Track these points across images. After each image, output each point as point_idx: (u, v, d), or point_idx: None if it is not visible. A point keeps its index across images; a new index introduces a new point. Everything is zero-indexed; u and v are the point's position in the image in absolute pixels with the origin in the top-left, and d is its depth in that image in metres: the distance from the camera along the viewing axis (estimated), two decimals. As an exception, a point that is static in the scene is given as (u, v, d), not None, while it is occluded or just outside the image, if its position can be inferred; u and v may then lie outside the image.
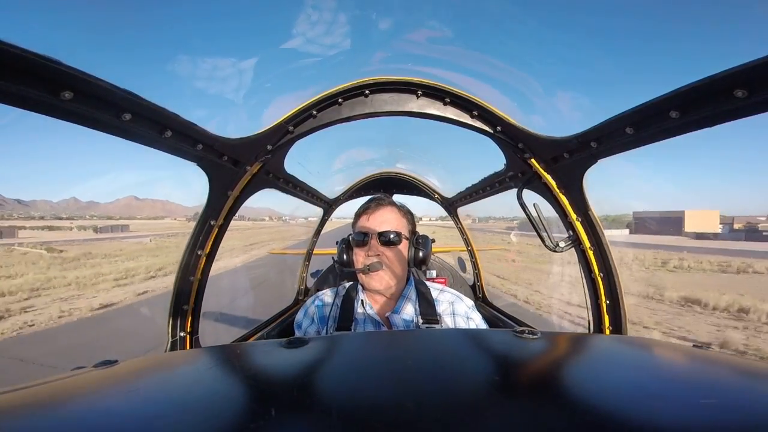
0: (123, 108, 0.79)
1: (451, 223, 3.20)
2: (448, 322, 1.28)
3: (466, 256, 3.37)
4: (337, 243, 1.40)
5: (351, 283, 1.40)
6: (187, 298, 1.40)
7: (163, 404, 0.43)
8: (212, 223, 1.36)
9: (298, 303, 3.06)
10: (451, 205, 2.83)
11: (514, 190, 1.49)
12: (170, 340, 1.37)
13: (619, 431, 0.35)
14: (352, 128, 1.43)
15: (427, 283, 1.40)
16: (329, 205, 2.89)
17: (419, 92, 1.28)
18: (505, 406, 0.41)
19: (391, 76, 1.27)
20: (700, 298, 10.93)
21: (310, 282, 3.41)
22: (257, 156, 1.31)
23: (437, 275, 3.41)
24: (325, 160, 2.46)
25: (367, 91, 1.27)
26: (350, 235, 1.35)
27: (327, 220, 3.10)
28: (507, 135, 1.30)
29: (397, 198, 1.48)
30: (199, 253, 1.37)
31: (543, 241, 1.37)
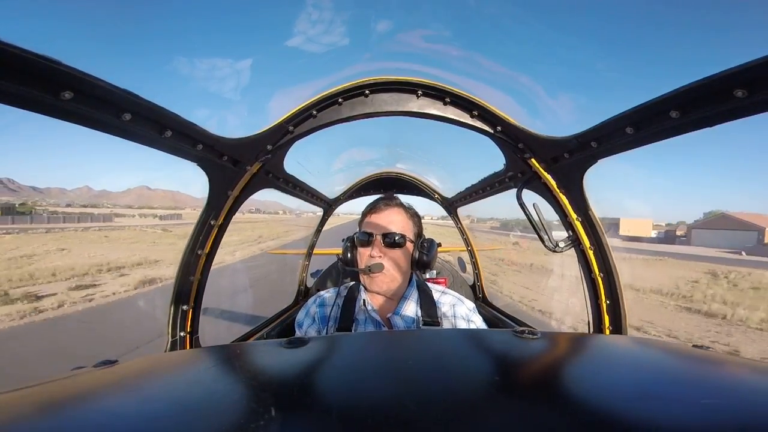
0: (123, 108, 0.79)
1: (452, 222, 3.20)
2: (448, 324, 1.28)
3: (466, 256, 3.37)
4: (342, 240, 1.40)
5: (353, 282, 1.40)
6: (187, 298, 1.40)
7: (163, 404, 0.43)
8: (212, 222, 1.36)
9: (298, 303, 3.06)
10: (451, 205, 2.83)
11: (513, 190, 1.49)
12: (170, 339, 1.37)
13: (619, 431, 0.35)
14: (352, 128, 1.42)
15: (429, 284, 1.39)
16: (329, 205, 2.89)
17: (419, 92, 1.28)
18: (506, 406, 0.41)
19: (391, 76, 1.27)
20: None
21: (310, 282, 3.40)
22: (257, 156, 1.31)
23: (438, 275, 3.41)
24: (325, 160, 2.47)
25: (367, 91, 1.27)
26: (356, 233, 1.34)
27: (327, 219, 3.10)
28: (507, 135, 1.30)
29: (398, 198, 1.47)
30: (199, 252, 1.37)
31: (543, 241, 1.37)
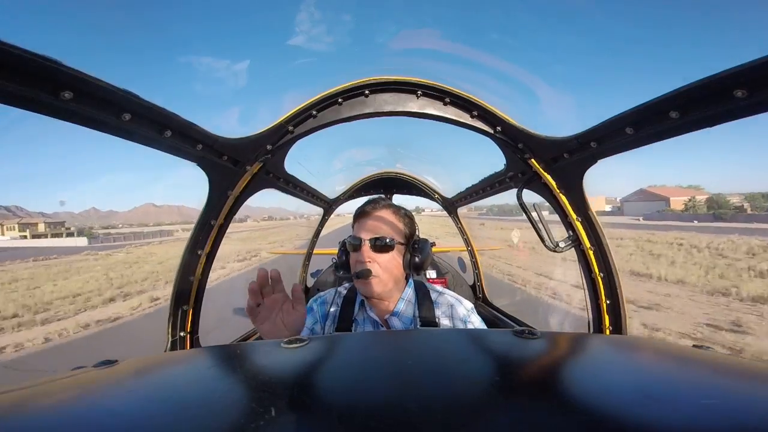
0: (123, 108, 0.79)
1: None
2: (446, 324, 1.28)
3: (466, 256, 3.37)
4: (339, 243, 1.40)
5: (352, 283, 1.40)
6: (187, 298, 1.40)
7: (163, 404, 0.43)
8: (212, 223, 1.36)
9: None
10: (451, 206, 2.83)
11: (514, 190, 1.49)
12: (170, 339, 1.37)
13: (619, 431, 0.35)
14: (352, 128, 1.43)
15: (427, 285, 1.39)
16: (329, 205, 2.89)
17: (419, 92, 1.28)
18: (505, 407, 0.41)
19: (391, 76, 1.27)
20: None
21: (310, 282, 3.40)
22: (257, 156, 1.31)
23: (437, 275, 3.41)
24: (325, 160, 2.47)
25: (367, 91, 1.27)
26: (348, 237, 1.34)
27: (327, 220, 3.11)
28: (507, 135, 1.30)
29: (397, 198, 1.47)
30: (199, 252, 1.37)
31: (543, 241, 1.37)
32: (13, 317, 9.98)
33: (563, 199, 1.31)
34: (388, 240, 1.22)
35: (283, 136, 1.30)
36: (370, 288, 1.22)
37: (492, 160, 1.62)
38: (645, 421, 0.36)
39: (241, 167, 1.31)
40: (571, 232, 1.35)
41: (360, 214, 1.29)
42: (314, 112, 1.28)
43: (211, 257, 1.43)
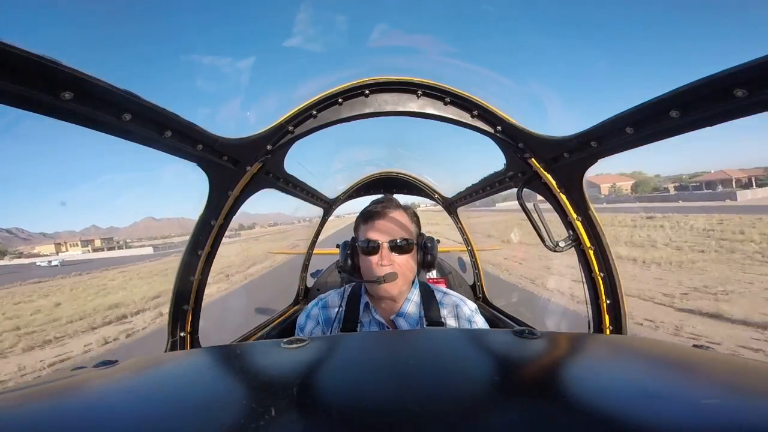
0: (123, 108, 0.79)
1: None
2: (452, 324, 1.28)
3: (466, 256, 3.37)
4: (338, 246, 1.37)
5: (354, 284, 1.38)
6: (187, 298, 1.40)
7: (162, 404, 0.43)
8: (212, 223, 1.36)
9: (298, 303, 3.06)
10: (451, 205, 2.83)
11: (514, 190, 1.49)
12: (170, 339, 1.37)
13: (619, 431, 0.35)
14: (352, 128, 1.43)
15: (431, 285, 1.39)
16: (329, 205, 2.89)
17: (419, 92, 1.28)
18: (506, 406, 0.41)
19: (391, 76, 1.27)
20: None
21: (310, 282, 3.40)
22: (257, 156, 1.31)
23: (438, 275, 3.41)
24: (325, 160, 2.47)
25: (367, 91, 1.27)
26: (354, 239, 1.30)
27: (327, 220, 3.10)
28: (507, 135, 1.30)
29: (397, 198, 1.47)
30: (199, 253, 1.37)
31: (543, 240, 1.37)
32: (153, 298, 14.19)
33: (563, 198, 1.31)
34: (406, 241, 1.21)
35: (283, 136, 1.30)
36: (392, 290, 1.20)
37: (492, 160, 1.63)
38: (645, 420, 0.36)
39: (241, 167, 1.31)
40: (571, 231, 1.35)
41: (370, 215, 1.25)
42: (314, 112, 1.28)
43: (211, 257, 1.43)
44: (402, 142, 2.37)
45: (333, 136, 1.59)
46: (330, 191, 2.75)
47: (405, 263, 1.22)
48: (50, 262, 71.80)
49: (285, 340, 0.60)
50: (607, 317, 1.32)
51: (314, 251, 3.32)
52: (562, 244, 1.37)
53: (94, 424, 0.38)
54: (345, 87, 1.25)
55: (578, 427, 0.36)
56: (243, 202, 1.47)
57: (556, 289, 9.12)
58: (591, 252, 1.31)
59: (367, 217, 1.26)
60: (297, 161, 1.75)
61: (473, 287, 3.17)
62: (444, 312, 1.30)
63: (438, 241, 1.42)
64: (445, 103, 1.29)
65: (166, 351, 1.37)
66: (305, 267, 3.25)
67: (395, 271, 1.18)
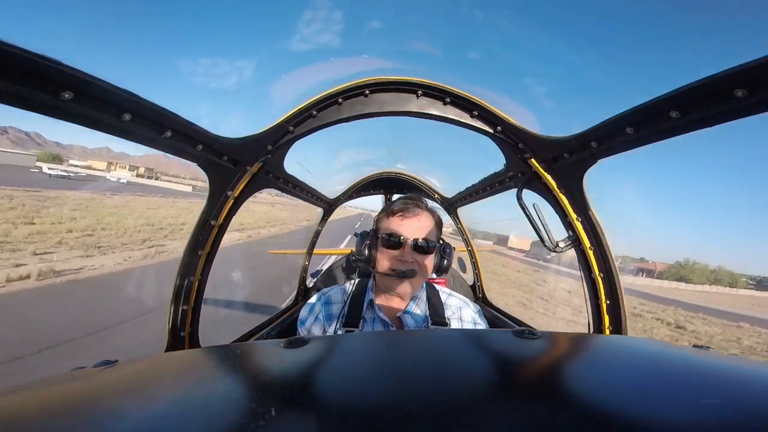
0: (123, 108, 0.79)
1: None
2: (456, 325, 1.29)
3: (466, 256, 3.37)
4: (356, 235, 1.35)
5: (359, 280, 1.38)
6: (187, 298, 1.40)
7: (162, 404, 0.43)
8: (212, 222, 1.36)
9: (298, 303, 3.06)
10: (451, 206, 2.83)
11: (514, 190, 1.49)
12: (170, 339, 1.37)
13: (619, 431, 0.35)
14: (352, 128, 1.42)
15: (436, 286, 1.40)
16: (329, 205, 2.89)
17: (419, 92, 1.28)
18: (506, 407, 0.41)
19: (391, 76, 1.27)
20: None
21: (310, 282, 3.40)
22: (257, 156, 1.31)
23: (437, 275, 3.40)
24: (325, 160, 2.46)
25: (367, 91, 1.27)
26: (375, 230, 1.29)
27: (327, 220, 3.10)
28: (507, 135, 1.30)
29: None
30: (199, 253, 1.37)
31: (543, 241, 1.37)
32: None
33: (563, 199, 1.31)
34: (430, 244, 1.21)
35: (283, 136, 1.30)
36: (408, 288, 1.21)
37: (492, 160, 1.63)
38: (645, 421, 0.36)
39: (241, 167, 1.31)
40: (570, 232, 1.35)
41: (399, 211, 1.24)
42: (314, 112, 1.28)
43: (210, 257, 1.43)
44: (402, 142, 2.37)
45: (333, 136, 1.59)
46: (330, 191, 2.75)
47: (424, 264, 1.23)
48: (119, 179, 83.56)
49: (285, 340, 0.60)
50: (607, 317, 1.32)
51: (314, 251, 3.32)
52: (562, 244, 1.37)
53: (94, 424, 0.38)
54: (345, 87, 1.25)
55: (578, 427, 0.36)
56: (243, 202, 1.46)
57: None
58: (591, 252, 1.31)
59: (393, 211, 1.25)
60: (297, 161, 1.75)
61: (473, 287, 3.17)
62: (448, 313, 1.30)
63: (453, 248, 1.42)
64: (445, 103, 1.29)
65: (165, 351, 1.37)
66: (305, 267, 3.24)
67: (415, 269, 1.19)
